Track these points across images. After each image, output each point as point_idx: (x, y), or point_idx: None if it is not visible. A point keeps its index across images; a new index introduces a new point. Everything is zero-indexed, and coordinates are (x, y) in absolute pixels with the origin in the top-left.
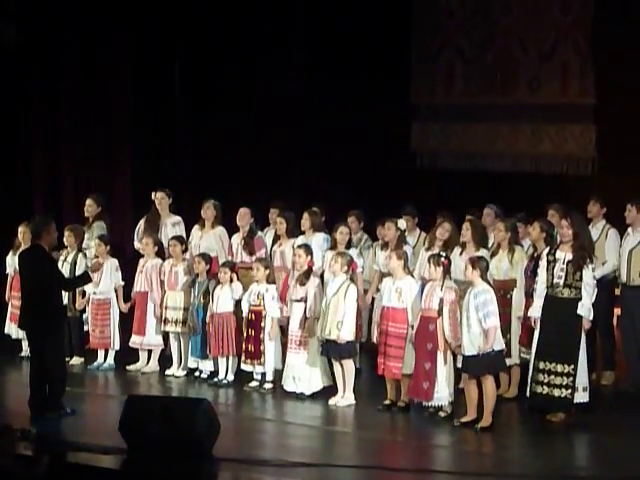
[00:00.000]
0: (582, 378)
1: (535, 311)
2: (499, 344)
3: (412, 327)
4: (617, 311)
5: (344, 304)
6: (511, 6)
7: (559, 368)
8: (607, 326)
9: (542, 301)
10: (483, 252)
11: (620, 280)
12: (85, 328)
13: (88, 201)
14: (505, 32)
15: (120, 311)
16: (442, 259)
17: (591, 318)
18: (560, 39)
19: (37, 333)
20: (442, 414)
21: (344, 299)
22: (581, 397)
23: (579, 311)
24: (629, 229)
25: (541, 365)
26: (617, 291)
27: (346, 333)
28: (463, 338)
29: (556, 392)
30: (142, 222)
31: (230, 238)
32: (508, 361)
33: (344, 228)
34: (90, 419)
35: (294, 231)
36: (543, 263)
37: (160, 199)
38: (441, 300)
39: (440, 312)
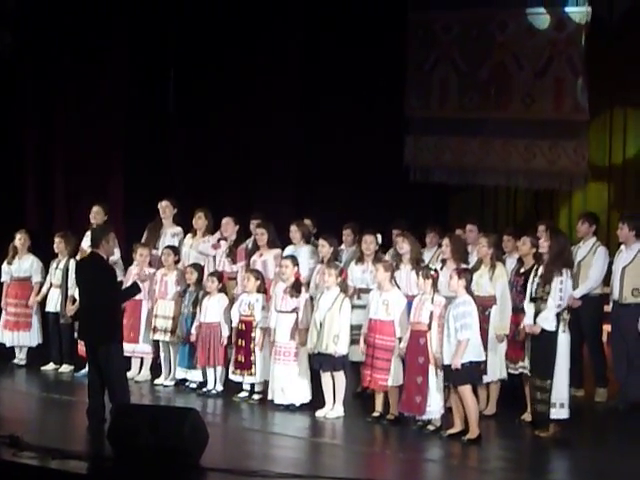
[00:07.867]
0: (561, 394)
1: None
2: (477, 356)
3: (399, 340)
4: (606, 328)
5: (339, 318)
6: (507, 21)
7: (538, 382)
8: (596, 343)
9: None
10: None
11: (612, 297)
12: (75, 335)
13: (95, 208)
14: (500, 47)
15: None
16: (431, 272)
17: (544, 327)
18: (554, 55)
19: (98, 342)
20: (431, 427)
21: (339, 313)
22: (560, 413)
23: (537, 319)
24: (622, 246)
25: (530, 381)
26: (606, 308)
27: (342, 347)
28: (444, 347)
29: (538, 407)
30: (146, 231)
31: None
32: (485, 378)
33: (323, 241)
34: (78, 427)
35: (275, 242)
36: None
37: (164, 208)
38: (431, 314)
39: (430, 326)
